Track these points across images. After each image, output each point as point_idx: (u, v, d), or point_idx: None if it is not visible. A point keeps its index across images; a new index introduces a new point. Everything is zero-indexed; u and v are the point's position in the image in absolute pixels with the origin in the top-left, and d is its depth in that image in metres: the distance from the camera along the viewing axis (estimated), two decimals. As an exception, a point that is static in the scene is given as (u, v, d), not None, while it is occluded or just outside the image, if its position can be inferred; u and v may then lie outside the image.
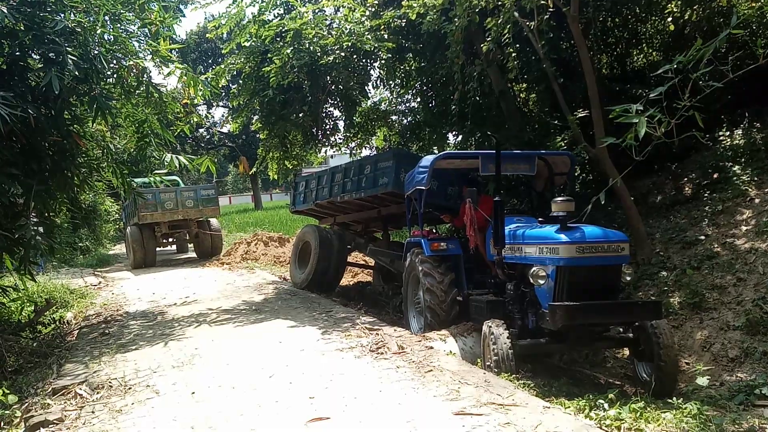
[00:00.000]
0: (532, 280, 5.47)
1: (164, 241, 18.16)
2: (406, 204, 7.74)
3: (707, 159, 8.64)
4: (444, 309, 6.56)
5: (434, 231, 8.35)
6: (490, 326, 5.42)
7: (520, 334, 5.61)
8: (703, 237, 7.40)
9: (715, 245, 7.14)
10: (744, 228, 7.08)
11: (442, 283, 6.61)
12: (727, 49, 8.26)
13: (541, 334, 5.63)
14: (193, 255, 18.65)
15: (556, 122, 9.11)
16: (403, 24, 10.32)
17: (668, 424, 3.90)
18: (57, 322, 8.49)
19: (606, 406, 4.24)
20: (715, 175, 8.36)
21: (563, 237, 5.31)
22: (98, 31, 6.70)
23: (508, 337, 5.25)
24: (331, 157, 19.20)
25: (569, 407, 4.30)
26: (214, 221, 17.92)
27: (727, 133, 8.89)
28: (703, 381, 5.16)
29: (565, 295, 5.29)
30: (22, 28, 6.10)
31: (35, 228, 6.56)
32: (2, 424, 4.53)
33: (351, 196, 9.65)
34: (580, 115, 7.41)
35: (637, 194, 8.91)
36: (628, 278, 5.72)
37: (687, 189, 8.75)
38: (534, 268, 5.46)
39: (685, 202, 8.48)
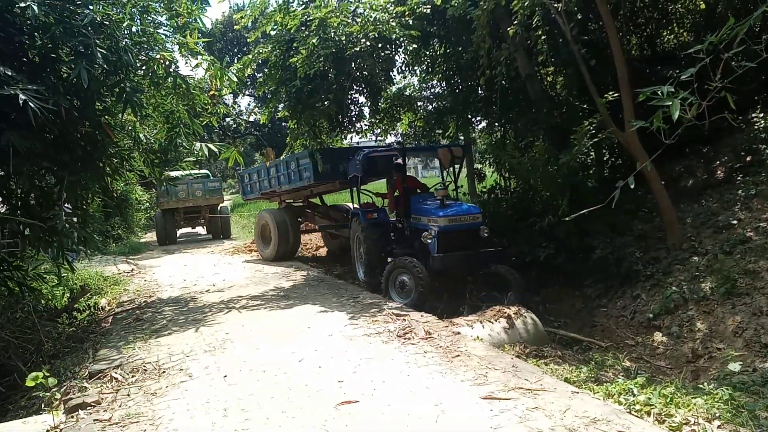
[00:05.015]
0: (422, 240, 8.28)
1: (183, 223, 21.86)
2: (350, 183, 10.04)
3: (740, 141, 8.45)
4: (376, 257, 9.01)
5: (372, 202, 10.45)
6: (412, 261, 8.09)
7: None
8: (735, 221, 7.26)
9: (748, 230, 7.00)
10: (778, 212, 6.94)
11: (374, 240, 9.10)
12: (761, 27, 8.05)
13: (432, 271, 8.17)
14: (221, 235, 21.94)
15: (584, 106, 8.97)
16: (428, 10, 10.25)
17: (699, 409, 3.87)
18: (92, 309, 8.69)
19: (635, 391, 4.21)
20: (748, 158, 8.18)
21: (441, 213, 8.26)
22: (126, 23, 6.78)
23: (420, 269, 7.88)
24: (357, 143, 19.24)
25: (598, 392, 4.29)
26: (224, 207, 21.93)
27: (761, 114, 8.66)
28: (735, 367, 5.10)
29: (443, 248, 8.10)
30: (52, 21, 6.21)
31: (68, 218, 6.70)
32: (43, 405, 4.68)
33: (287, 186, 12.37)
34: (610, 98, 7.30)
35: (668, 178, 8.76)
36: (486, 234, 8.36)
37: (719, 172, 8.58)
38: (424, 233, 8.28)
39: (716, 185, 8.32)
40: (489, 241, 8.58)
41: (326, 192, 13.82)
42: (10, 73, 5.52)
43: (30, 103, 5.29)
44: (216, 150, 8.42)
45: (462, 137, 14.97)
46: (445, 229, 8.14)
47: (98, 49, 6.08)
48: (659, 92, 3.98)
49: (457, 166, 9.87)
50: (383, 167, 10.48)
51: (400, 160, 9.39)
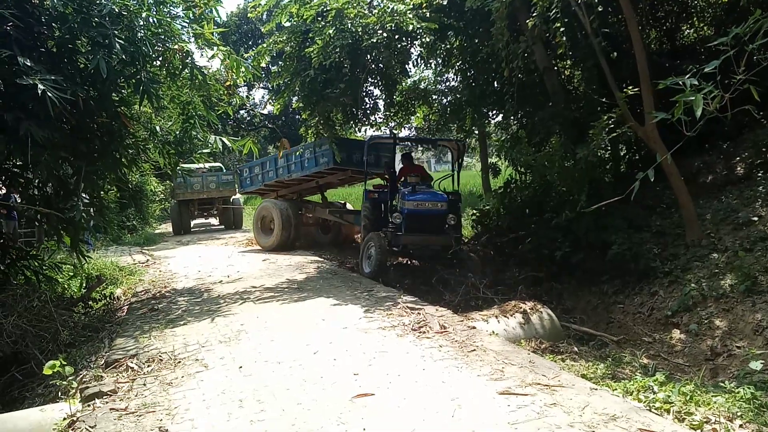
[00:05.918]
0: (391, 219, 9.45)
1: (197, 214, 22.97)
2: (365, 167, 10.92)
3: (761, 137, 8.31)
4: (371, 225, 10.17)
5: (384, 184, 11.41)
6: (378, 234, 9.41)
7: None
8: (756, 218, 7.15)
9: (770, 226, 6.89)
10: (801, 208, 6.82)
11: (371, 213, 10.45)
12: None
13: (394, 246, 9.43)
14: (233, 226, 22.84)
15: (603, 99, 8.86)
16: (446, 1, 10.15)
17: (719, 408, 3.81)
18: (107, 298, 8.74)
19: (655, 388, 4.16)
20: (770, 154, 8.04)
21: (408, 197, 9.25)
22: (143, 15, 6.79)
23: (382, 244, 9.20)
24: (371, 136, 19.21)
25: (617, 389, 4.24)
26: (237, 199, 22.78)
27: (784, 109, 8.52)
28: (756, 365, 5.01)
29: (407, 229, 9.16)
30: (70, 11, 6.22)
31: (85, 208, 6.72)
32: (60, 393, 4.71)
33: (298, 174, 13.06)
34: (630, 93, 7.20)
35: (687, 174, 8.64)
36: (452, 222, 9.29)
37: (739, 168, 8.45)
38: (395, 213, 9.37)
39: (737, 181, 8.19)
40: (455, 228, 9.53)
41: (330, 185, 14.68)
42: (28, 64, 5.54)
43: (48, 93, 5.31)
44: (229, 143, 8.44)
45: (477, 131, 14.89)
46: (410, 212, 9.17)
47: (116, 39, 6.09)
48: (682, 83, 3.91)
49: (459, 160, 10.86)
50: (382, 159, 11.94)
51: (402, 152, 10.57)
